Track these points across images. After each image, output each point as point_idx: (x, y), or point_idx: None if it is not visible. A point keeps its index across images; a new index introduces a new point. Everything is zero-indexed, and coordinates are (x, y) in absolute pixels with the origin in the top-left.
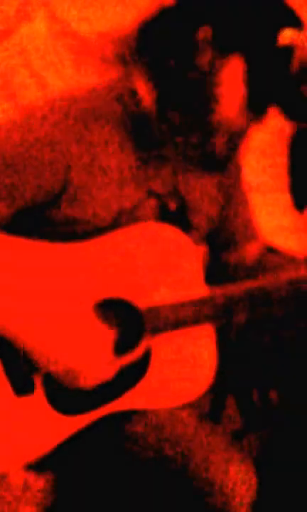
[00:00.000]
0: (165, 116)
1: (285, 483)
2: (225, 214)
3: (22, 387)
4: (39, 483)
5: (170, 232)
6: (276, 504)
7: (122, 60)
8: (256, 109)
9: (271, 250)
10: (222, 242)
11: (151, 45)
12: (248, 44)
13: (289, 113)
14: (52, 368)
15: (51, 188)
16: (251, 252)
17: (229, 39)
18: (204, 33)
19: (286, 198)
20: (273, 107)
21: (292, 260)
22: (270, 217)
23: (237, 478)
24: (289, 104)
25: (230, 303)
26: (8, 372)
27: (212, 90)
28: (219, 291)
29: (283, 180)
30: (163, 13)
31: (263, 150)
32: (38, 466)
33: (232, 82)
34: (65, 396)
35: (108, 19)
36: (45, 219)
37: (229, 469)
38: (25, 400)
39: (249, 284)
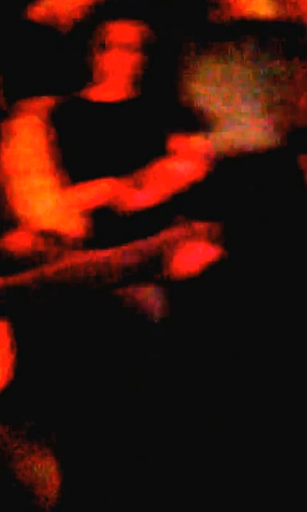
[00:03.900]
0: None
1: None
2: None
3: None
4: None
5: None
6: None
7: None
8: None
9: (44, 235)
10: None
11: None
12: None
13: None
14: None
15: None
16: (19, 239)
17: None
18: None
19: (51, 179)
20: None
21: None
22: (38, 201)
23: (42, 472)
24: None
25: (16, 292)
26: None
27: None
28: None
29: (46, 161)
30: None
31: (20, 133)
32: None
33: None
34: None
35: None
36: None
37: (32, 464)
38: None
39: (31, 274)
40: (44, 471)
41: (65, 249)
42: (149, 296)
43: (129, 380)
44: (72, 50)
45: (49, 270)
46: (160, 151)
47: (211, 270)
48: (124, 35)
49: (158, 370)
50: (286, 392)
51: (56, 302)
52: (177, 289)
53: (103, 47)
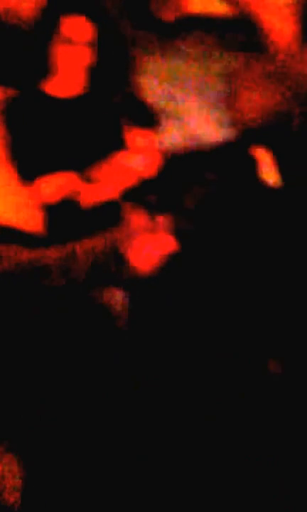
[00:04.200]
0: None
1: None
2: None
3: None
4: None
5: None
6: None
7: None
8: None
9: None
10: None
11: None
12: None
13: None
14: None
15: None
16: None
17: None
18: None
19: (9, 174)
20: None
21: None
22: None
23: (4, 470)
24: None
25: None
26: None
27: None
28: None
29: (2, 156)
30: None
31: None
32: None
33: None
34: None
35: None
36: None
37: None
38: None
39: None
40: (5, 471)
41: (22, 246)
42: (111, 294)
43: (93, 379)
44: (28, 45)
45: (5, 268)
46: (114, 146)
47: (170, 263)
48: (78, 30)
49: (124, 370)
50: (274, 389)
51: (14, 300)
52: (137, 284)
53: (58, 42)
